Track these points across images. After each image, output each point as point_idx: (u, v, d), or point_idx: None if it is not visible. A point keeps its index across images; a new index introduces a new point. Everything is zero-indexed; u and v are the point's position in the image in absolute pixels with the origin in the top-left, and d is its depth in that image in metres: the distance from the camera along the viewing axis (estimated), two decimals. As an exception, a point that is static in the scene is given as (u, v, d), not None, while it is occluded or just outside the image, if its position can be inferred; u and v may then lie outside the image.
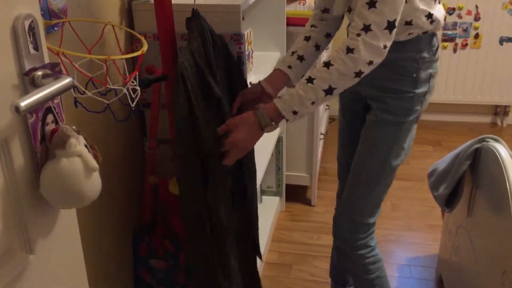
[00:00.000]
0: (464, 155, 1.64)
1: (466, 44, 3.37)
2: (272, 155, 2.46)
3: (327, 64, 1.19)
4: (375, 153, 1.43)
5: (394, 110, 1.37)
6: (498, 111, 3.57)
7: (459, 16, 3.30)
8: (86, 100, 1.07)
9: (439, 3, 1.34)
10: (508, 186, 1.41)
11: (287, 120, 1.23)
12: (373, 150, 1.43)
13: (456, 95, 3.49)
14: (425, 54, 1.33)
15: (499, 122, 3.58)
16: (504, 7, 3.24)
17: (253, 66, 1.96)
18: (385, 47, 1.17)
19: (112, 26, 1.17)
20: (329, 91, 1.20)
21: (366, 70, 1.18)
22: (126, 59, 1.20)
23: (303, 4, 2.23)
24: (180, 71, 1.13)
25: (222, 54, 1.33)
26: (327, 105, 3.31)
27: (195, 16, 1.20)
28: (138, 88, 1.04)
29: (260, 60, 2.18)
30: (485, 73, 3.42)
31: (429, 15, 1.27)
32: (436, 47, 1.36)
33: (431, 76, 1.36)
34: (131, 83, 1.02)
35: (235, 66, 1.37)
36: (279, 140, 2.46)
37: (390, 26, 1.15)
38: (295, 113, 1.22)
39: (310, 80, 1.21)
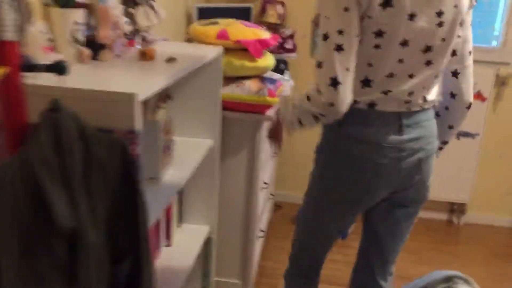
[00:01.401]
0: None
1: (422, 136, 3.16)
2: (197, 257, 2.06)
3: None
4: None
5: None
6: (455, 208, 3.32)
7: (415, 107, 3.10)
8: None
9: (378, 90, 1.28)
10: None
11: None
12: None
13: (411, 189, 3.23)
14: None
15: (455, 221, 3.33)
16: (461, 100, 3.07)
17: (175, 158, 1.61)
18: (331, 104, 1.20)
19: None
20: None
21: (322, 121, 1.29)
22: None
23: (242, 88, 1.93)
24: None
25: (106, 161, 0.96)
26: (271, 194, 2.97)
27: (54, 110, 0.84)
28: None
29: (189, 148, 1.84)
30: (440, 168, 3.19)
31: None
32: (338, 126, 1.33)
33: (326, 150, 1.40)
34: None
35: (123, 174, 1.00)
36: (208, 241, 2.06)
37: (334, 82, 1.19)
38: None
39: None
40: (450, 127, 1.48)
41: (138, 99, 1.03)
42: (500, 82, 3.03)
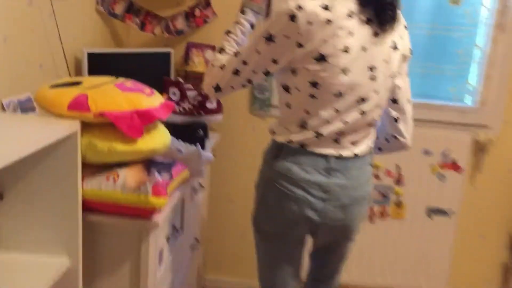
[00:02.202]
0: None
1: (386, 213, 2.56)
2: None
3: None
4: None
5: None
6: (427, 300, 2.71)
7: (377, 177, 2.51)
8: None
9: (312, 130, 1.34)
10: None
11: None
12: None
13: (372, 277, 2.61)
14: (267, 153, 1.44)
15: (427, 315, 2.71)
16: (432, 170, 2.50)
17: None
18: (206, 95, 1.66)
19: None
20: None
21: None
22: None
23: (114, 181, 1.28)
24: None
25: None
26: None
27: None
28: None
29: (28, 274, 1.18)
30: (409, 251, 2.58)
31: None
32: (276, 157, 1.39)
33: (266, 178, 1.43)
34: None
35: None
36: None
37: (217, 88, 1.40)
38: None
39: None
40: (379, 149, 1.59)
41: None
42: (479, 149, 2.47)
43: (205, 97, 1.98)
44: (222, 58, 1.39)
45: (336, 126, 1.32)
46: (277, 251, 1.48)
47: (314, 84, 1.26)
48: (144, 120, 1.26)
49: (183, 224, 1.82)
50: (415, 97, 2.51)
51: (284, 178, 1.36)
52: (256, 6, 1.46)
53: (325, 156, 1.35)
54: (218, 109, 2.03)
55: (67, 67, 1.84)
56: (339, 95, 1.28)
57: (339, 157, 1.36)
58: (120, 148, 1.25)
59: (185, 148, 1.72)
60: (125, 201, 1.28)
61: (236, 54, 1.35)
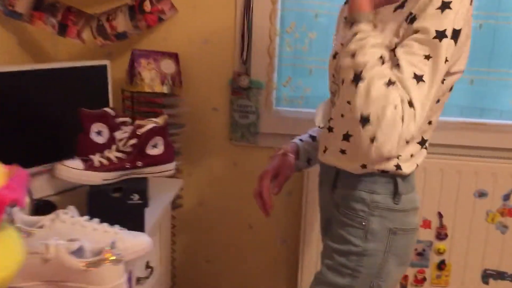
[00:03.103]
0: None
1: (424, 279, 1.85)
2: None
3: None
4: None
5: (337, 268, 1.12)
6: None
7: (410, 230, 1.82)
8: None
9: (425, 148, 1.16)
10: None
11: None
12: None
13: None
14: (380, 199, 1.11)
15: None
16: (489, 219, 1.78)
17: None
18: (379, 154, 0.96)
19: None
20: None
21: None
22: None
23: None
24: None
25: None
26: None
27: None
28: None
29: None
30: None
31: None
32: (400, 194, 1.12)
33: (391, 232, 1.12)
34: None
35: None
36: None
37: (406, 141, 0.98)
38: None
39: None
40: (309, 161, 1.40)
41: None
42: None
43: (145, 138, 1.25)
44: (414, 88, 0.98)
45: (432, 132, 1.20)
46: None
47: (451, 88, 1.14)
48: None
49: None
50: (461, 114, 1.84)
51: (412, 213, 1.17)
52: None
53: None
54: (167, 156, 1.30)
55: None
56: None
57: None
58: None
59: (98, 240, 1.00)
60: None
61: (421, 78, 0.96)
